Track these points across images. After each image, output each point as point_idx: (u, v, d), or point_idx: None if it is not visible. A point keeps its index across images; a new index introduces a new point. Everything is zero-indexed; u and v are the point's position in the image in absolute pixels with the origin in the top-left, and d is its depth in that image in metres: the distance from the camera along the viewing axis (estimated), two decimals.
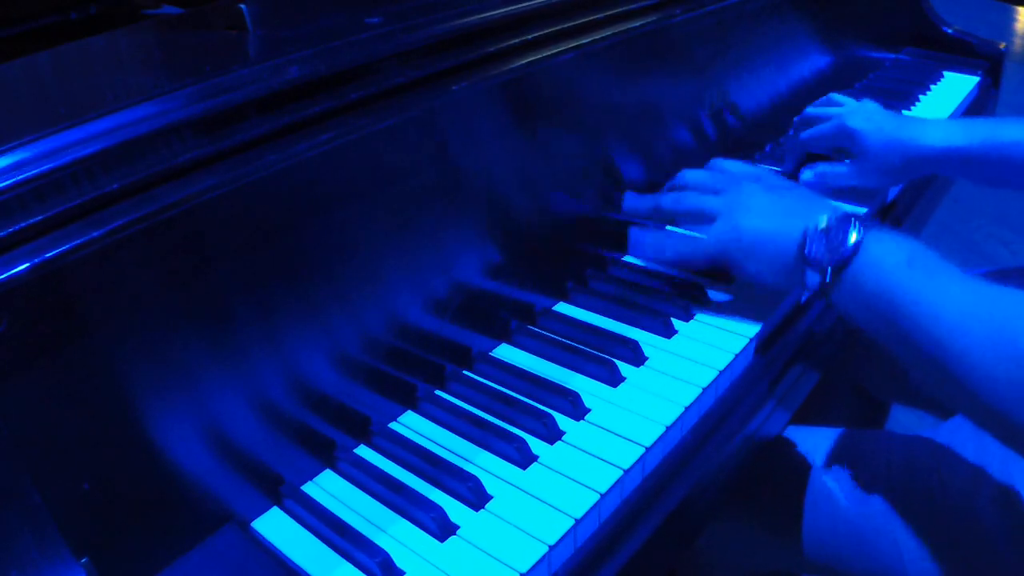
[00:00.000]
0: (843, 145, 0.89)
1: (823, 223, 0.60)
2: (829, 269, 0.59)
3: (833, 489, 0.73)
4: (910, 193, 0.99)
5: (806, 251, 0.61)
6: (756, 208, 0.66)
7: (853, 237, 0.59)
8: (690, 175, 0.75)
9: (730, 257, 0.68)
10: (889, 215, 0.95)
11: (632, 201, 0.79)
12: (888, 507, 0.71)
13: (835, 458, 0.75)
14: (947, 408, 0.86)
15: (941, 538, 0.69)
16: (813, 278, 0.60)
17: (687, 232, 0.73)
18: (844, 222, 0.60)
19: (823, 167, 0.90)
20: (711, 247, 0.68)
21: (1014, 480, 0.67)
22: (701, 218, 0.69)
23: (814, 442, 0.77)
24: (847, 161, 0.89)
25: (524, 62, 0.68)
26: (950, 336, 0.52)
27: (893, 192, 0.95)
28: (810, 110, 0.94)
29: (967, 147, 0.84)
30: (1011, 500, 0.66)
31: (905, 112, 1.14)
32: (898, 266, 0.56)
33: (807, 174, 0.90)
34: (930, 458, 0.72)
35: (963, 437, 0.72)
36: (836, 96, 0.94)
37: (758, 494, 0.77)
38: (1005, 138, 0.83)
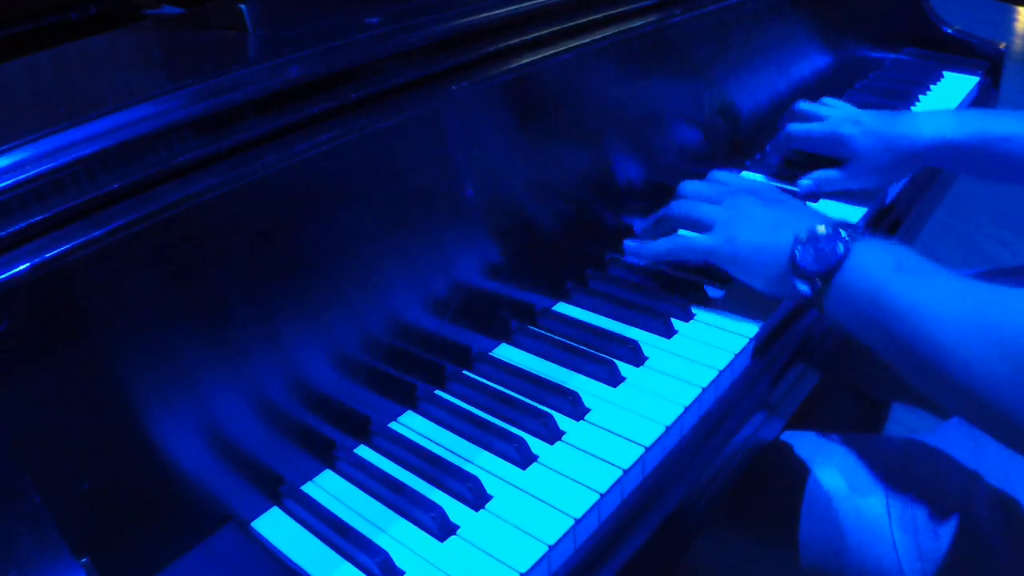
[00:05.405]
0: (834, 152, 0.90)
1: (812, 233, 0.62)
2: (818, 279, 0.60)
3: (830, 493, 0.73)
4: (910, 193, 0.99)
5: (795, 261, 0.62)
6: (750, 220, 0.68)
7: (841, 246, 0.60)
8: (689, 186, 0.76)
9: (723, 265, 0.70)
10: (889, 215, 0.95)
11: (638, 224, 0.81)
12: (885, 511, 0.71)
13: (832, 462, 0.75)
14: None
15: (938, 542, 0.69)
16: (803, 287, 0.62)
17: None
18: (833, 232, 0.61)
19: (820, 174, 0.90)
20: (704, 250, 0.70)
21: (1010, 483, 0.67)
22: (698, 227, 0.71)
23: (811, 446, 0.77)
24: (842, 166, 0.89)
25: (524, 62, 0.68)
26: (945, 337, 0.51)
27: (893, 192, 0.95)
28: (803, 105, 0.94)
29: (956, 139, 0.84)
30: (1007, 503, 0.66)
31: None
32: (888, 270, 0.57)
33: (805, 181, 0.90)
34: (927, 462, 0.72)
35: (959, 440, 0.72)
36: (830, 100, 0.94)
37: (755, 497, 0.77)
38: (996, 132, 0.83)
